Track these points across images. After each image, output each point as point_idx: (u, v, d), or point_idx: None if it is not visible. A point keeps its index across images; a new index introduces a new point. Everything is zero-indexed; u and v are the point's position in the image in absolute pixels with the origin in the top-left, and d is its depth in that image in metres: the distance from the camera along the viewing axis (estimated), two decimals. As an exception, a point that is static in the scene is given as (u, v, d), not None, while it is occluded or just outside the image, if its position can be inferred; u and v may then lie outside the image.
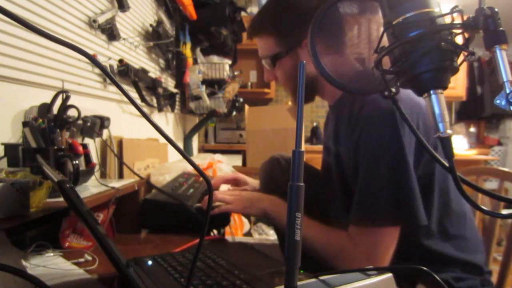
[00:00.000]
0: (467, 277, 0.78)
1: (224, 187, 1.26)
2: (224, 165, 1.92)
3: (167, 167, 1.58)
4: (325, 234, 0.79)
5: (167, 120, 2.29)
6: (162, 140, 1.85)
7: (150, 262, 0.69)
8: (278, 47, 0.87)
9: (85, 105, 1.14)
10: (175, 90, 2.18)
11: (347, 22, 0.82)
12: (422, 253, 0.78)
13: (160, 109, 1.96)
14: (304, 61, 0.33)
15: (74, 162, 0.78)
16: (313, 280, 0.37)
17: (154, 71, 1.94)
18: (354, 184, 0.76)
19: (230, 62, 2.61)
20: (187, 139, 2.66)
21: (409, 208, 0.69)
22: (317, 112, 3.96)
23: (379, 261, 0.72)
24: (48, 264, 0.70)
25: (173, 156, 2.06)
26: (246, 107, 2.59)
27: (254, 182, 1.14)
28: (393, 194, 0.70)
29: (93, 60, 0.38)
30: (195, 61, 2.45)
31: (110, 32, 1.37)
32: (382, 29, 0.43)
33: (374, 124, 0.72)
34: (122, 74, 1.48)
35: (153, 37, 1.86)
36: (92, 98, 1.30)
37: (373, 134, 0.72)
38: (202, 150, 3.38)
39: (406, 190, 0.69)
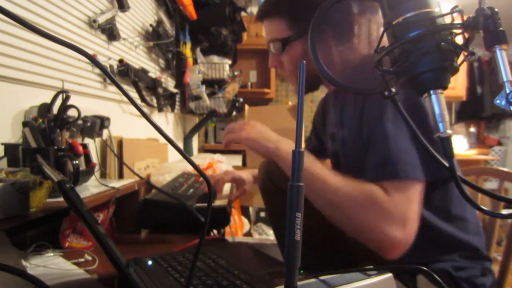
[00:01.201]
0: (466, 265, 0.78)
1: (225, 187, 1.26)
2: (224, 165, 1.92)
3: (167, 167, 1.58)
4: (353, 184, 0.72)
5: (167, 120, 2.29)
6: (162, 140, 1.85)
7: (150, 262, 0.69)
8: (290, 30, 0.86)
9: (85, 105, 1.14)
10: (175, 90, 2.18)
11: (354, 20, 0.82)
12: (426, 232, 0.74)
13: (160, 109, 1.96)
14: (304, 61, 0.33)
15: (74, 162, 0.78)
16: (313, 280, 0.37)
17: (154, 71, 1.94)
18: (366, 151, 0.73)
19: (230, 62, 2.61)
20: (187, 139, 2.66)
21: (421, 163, 0.67)
22: (317, 112, 3.96)
23: (413, 220, 0.67)
24: (48, 264, 0.70)
25: (173, 156, 2.06)
26: (246, 107, 2.59)
27: (249, 176, 1.15)
28: (416, 146, 0.68)
29: (93, 60, 0.38)
30: (195, 61, 2.45)
31: (110, 32, 1.37)
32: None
33: (385, 103, 0.70)
34: (122, 74, 1.48)
35: (153, 37, 1.86)
36: (92, 98, 1.30)
37: (379, 101, 0.70)
38: (202, 150, 3.38)
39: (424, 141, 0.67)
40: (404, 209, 0.66)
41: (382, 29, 0.43)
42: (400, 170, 0.67)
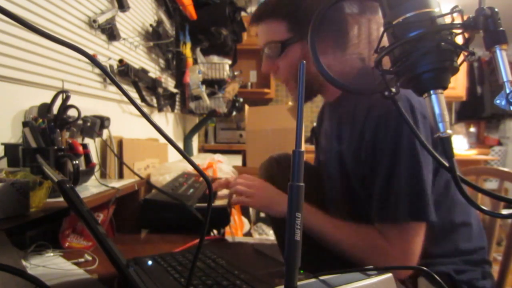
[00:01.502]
0: (468, 269, 0.78)
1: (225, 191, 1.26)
2: (224, 165, 1.92)
3: (167, 167, 1.58)
4: (353, 232, 0.78)
5: (167, 120, 2.29)
6: (162, 140, 1.85)
7: (150, 262, 0.69)
8: (289, 33, 0.84)
9: (85, 105, 1.14)
10: (175, 90, 2.18)
11: (354, 20, 0.81)
12: (428, 242, 0.77)
13: (160, 109, 1.96)
14: (305, 61, 0.33)
15: (74, 162, 0.78)
16: (313, 280, 0.37)
17: (154, 71, 1.94)
18: (367, 182, 0.76)
19: (230, 62, 2.61)
20: (187, 139, 2.66)
21: (422, 204, 0.70)
22: (317, 112, 3.95)
23: (414, 257, 0.72)
24: (48, 264, 0.70)
25: (173, 156, 2.06)
26: (246, 107, 2.59)
27: None
28: (418, 190, 0.70)
29: (93, 60, 0.38)
30: (195, 61, 2.45)
31: (110, 32, 1.37)
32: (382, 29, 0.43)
33: (390, 125, 0.72)
34: (122, 74, 1.48)
35: (153, 37, 1.86)
36: (92, 98, 1.30)
37: (390, 135, 0.72)
38: (202, 150, 3.38)
39: (423, 187, 0.70)
40: (403, 251, 0.71)
41: (382, 29, 0.43)
42: (400, 214, 0.71)
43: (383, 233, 0.73)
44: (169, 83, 2.19)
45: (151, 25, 1.85)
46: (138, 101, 1.68)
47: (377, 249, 0.74)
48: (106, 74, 0.39)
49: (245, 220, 2.13)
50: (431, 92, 0.40)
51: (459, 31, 0.40)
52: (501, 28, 0.38)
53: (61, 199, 0.74)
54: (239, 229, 1.95)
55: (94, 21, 1.26)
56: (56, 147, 0.80)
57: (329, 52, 0.83)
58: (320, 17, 0.46)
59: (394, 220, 0.72)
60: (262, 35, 0.88)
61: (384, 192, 0.73)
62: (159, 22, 1.89)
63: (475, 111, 4.29)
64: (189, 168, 1.56)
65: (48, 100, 0.90)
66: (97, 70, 1.30)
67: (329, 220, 0.79)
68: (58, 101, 0.89)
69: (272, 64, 0.89)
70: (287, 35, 0.84)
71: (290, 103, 3.47)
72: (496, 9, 0.38)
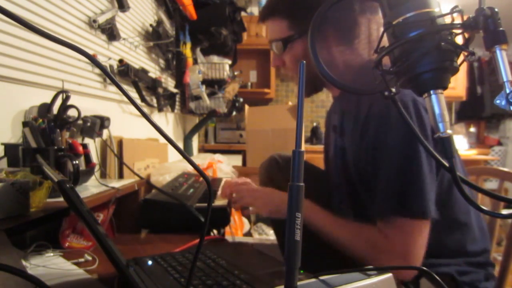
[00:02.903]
0: (471, 270, 0.78)
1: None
2: (224, 165, 1.92)
3: (167, 167, 1.58)
4: (354, 231, 0.77)
5: (167, 120, 2.29)
6: (162, 140, 1.85)
7: (150, 262, 0.69)
8: (291, 30, 0.87)
9: (85, 105, 1.14)
10: (175, 90, 2.18)
11: (357, 19, 0.82)
12: (432, 245, 0.77)
13: (160, 109, 1.96)
14: (305, 62, 0.33)
15: (74, 162, 0.78)
16: (313, 280, 0.37)
17: (154, 71, 1.94)
18: (368, 179, 0.76)
19: (230, 62, 2.61)
20: (187, 139, 2.66)
21: (423, 202, 0.70)
22: (317, 112, 3.96)
23: (416, 257, 0.71)
24: (48, 264, 0.70)
25: (173, 156, 2.06)
26: (246, 107, 2.59)
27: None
28: (418, 188, 0.70)
29: (93, 60, 0.38)
30: (195, 61, 2.45)
31: (110, 32, 1.37)
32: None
33: (390, 123, 0.72)
34: (122, 74, 1.48)
35: (153, 37, 1.86)
36: (92, 98, 1.30)
37: (391, 134, 0.72)
38: (202, 150, 3.38)
39: (422, 185, 0.69)
40: (403, 250, 0.70)
41: (382, 29, 0.43)
42: (400, 212, 0.71)
43: (383, 231, 0.73)
44: (169, 83, 2.19)
45: (151, 25, 1.85)
46: (138, 101, 1.68)
47: (376, 248, 0.73)
48: (106, 74, 0.39)
49: (245, 220, 2.13)
50: (431, 92, 0.40)
51: (459, 31, 0.40)
52: (501, 28, 0.38)
53: (61, 199, 0.74)
54: (239, 229, 1.95)
55: (94, 21, 1.26)
56: (56, 147, 0.80)
57: (331, 52, 0.84)
58: (321, 17, 0.46)
59: (394, 218, 0.71)
60: (268, 32, 0.93)
61: (384, 189, 0.72)
62: (159, 22, 1.89)
63: (475, 111, 4.29)
64: (189, 168, 1.56)
65: (48, 100, 0.90)
66: (97, 70, 1.30)
67: (331, 218, 0.79)
68: (58, 101, 0.89)
69: (279, 60, 0.93)
70: (289, 33, 0.87)
71: (290, 103, 3.47)
72: (496, 9, 0.38)
